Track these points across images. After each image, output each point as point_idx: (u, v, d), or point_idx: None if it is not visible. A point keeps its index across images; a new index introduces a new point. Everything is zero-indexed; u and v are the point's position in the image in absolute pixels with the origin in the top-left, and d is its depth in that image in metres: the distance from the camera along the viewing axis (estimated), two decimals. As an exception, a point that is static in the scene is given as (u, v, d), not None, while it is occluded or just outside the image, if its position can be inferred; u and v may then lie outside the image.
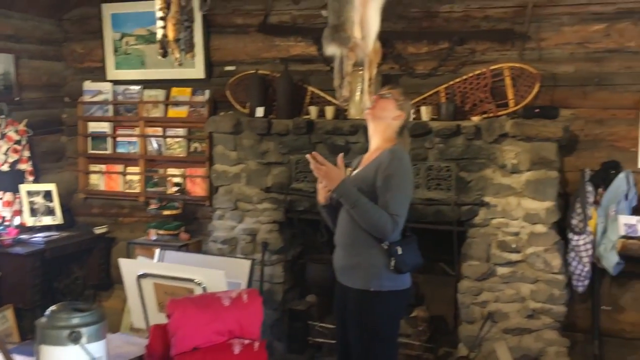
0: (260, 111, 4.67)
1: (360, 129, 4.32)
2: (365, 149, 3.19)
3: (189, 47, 2.82)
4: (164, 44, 2.72)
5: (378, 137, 2.99)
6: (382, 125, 2.93)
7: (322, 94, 4.76)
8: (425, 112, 4.28)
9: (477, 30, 4.47)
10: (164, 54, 2.75)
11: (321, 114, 4.65)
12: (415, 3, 4.60)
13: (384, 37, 4.54)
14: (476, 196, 4.13)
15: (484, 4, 4.44)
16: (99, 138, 5.55)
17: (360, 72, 4.16)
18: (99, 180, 5.59)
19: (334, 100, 4.65)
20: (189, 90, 5.26)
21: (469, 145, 4.13)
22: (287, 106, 4.69)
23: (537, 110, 4.07)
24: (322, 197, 2.94)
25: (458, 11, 4.51)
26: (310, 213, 4.53)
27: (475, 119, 4.18)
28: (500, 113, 4.25)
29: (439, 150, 4.20)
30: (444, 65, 4.52)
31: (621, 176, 4.03)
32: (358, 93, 4.40)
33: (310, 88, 4.81)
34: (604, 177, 4.09)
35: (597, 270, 4.09)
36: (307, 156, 2.78)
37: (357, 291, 2.87)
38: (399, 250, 2.82)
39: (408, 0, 4.60)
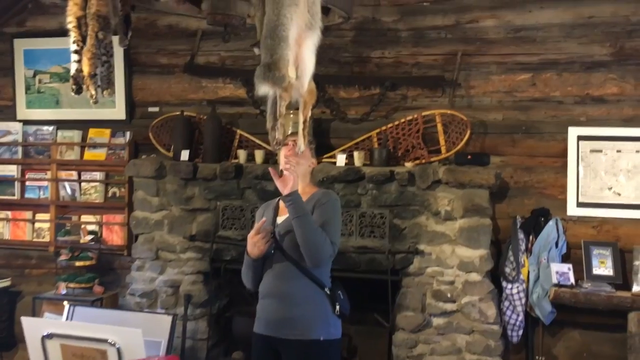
0: (185, 154, 4.42)
1: (291, 174, 4.15)
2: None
3: (107, 84, 2.57)
4: (77, 80, 2.45)
5: (300, 185, 2.84)
6: (302, 173, 2.86)
7: (251, 137, 4.58)
8: (357, 158, 4.17)
9: (408, 76, 4.45)
10: (78, 91, 2.48)
11: (250, 158, 4.45)
12: (346, 48, 4.55)
13: (316, 80, 4.56)
14: (410, 244, 4.02)
15: (415, 51, 4.44)
16: (5, 182, 5.09)
17: (292, 115, 4.07)
18: (3, 228, 5.10)
19: (263, 144, 4.48)
20: (108, 131, 4.95)
21: (403, 192, 4.03)
22: (214, 150, 4.47)
23: (469, 157, 4.05)
24: (257, 250, 2.72)
25: (389, 57, 4.49)
26: (237, 262, 4.22)
27: (409, 165, 4.11)
28: (432, 159, 4.20)
29: (372, 196, 4.08)
30: (375, 110, 4.46)
31: (551, 223, 4.05)
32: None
33: (239, 131, 4.62)
34: (534, 224, 4.10)
35: (530, 320, 4.04)
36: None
37: (302, 343, 2.68)
38: (341, 295, 2.81)
39: (340, 44, 4.55)
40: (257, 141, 4.54)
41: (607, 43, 4.15)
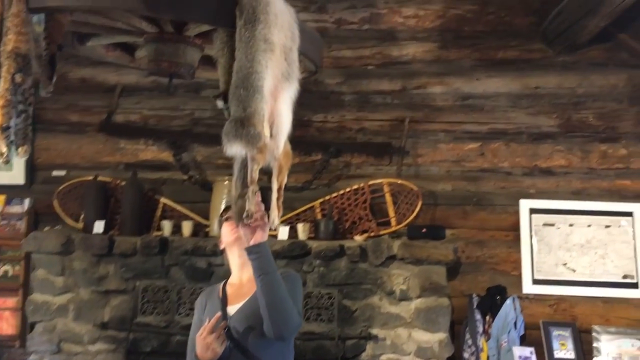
0: (99, 226, 3.78)
1: (225, 249, 3.64)
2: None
3: (22, 140, 2.02)
4: (-17, 133, 1.89)
5: (245, 267, 2.34)
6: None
7: (177, 206, 4.02)
8: (302, 230, 3.74)
9: (352, 142, 4.14)
10: None
11: (176, 230, 3.89)
12: (286, 110, 4.18)
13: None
14: (362, 328, 3.58)
15: (360, 116, 4.16)
16: None
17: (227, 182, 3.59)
18: None
19: (192, 214, 3.94)
20: (2, 197, 4.20)
21: (354, 269, 3.63)
22: (134, 220, 3.87)
23: (423, 231, 3.73)
24: (211, 353, 2.12)
25: (332, 121, 4.17)
26: (160, 355, 3.61)
27: (359, 238, 3.72)
28: (382, 232, 3.85)
29: (319, 274, 3.63)
30: (318, 178, 4.08)
31: (508, 302, 3.76)
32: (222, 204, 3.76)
33: (163, 199, 4.05)
34: (490, 303, 3.80)
35: (492, 409, 3.68)
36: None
37: None
38: None
39: (278, 106, 4.17)
40: (185, 211, 3.99)
41: (553, 114, 4.08)
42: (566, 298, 3.89)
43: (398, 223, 3.88)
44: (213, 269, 3.68)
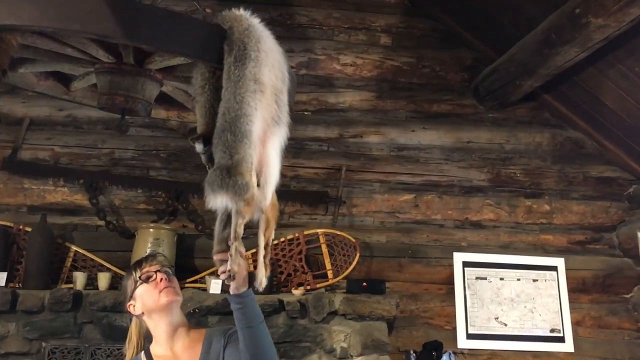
0: (1, 278, 3.27)
1: (150, 304, 3.27)
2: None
3: None
4: None
5: (184, 322, 2.04)
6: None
7: (91, 255, 3.59)
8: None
9: (287, 190, 3.95)
10: None
11: (90, 282, 3.46)
12: (217, 153, 3.93)
13: (179, 189, 3.83)
14: (300, 391, 3.33)
15: (295, 162, 3.99)
16: None
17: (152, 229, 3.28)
18: None
19: (108, 265, 3.54)
20: None
21: (292, 326, 3.38)
22: (41, 272, 3.40)
23: (364, 285, 3.58)
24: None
25: (266, 167, 3.96)
26: None
27: (297, 292, 3.50)
28: (318, 285, 3.66)
29: (255, 332, 3.34)
30: (251, 227, 3.82)
31: (444, 358, 3.69)
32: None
33: (74, 247, 3.61)
34: (428, 359, 3.71)
35: None
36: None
37: None
38: None
39: (208, 149, 3.92)
40: (100, 261, 3.57)
41: (484, 168, 4.15)
42: (498, 353, 3.88)
43: (335, 276, 3.71)
44: (135, 328, 3.29)
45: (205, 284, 3.54)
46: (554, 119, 4.24)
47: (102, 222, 3.73)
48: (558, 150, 4.23)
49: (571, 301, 4.01)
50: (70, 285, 3.43)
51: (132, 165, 3.87)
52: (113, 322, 3.28)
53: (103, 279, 3.43)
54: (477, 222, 4.11)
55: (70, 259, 3.58)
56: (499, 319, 3.92)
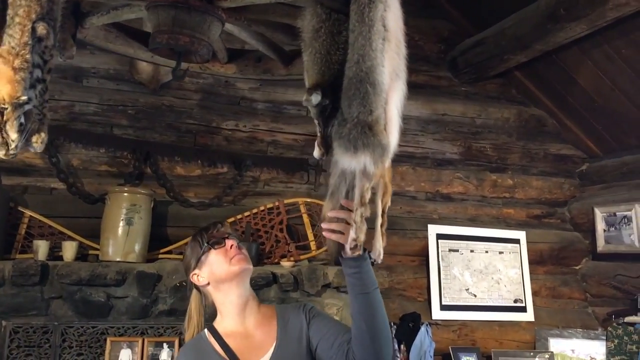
0: (-48, 247, 2.77)
1: (129, 275, 2.94)
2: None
3: (37, 124, 1.28)
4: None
5: (254, 296, 1.84)
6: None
7: (49, 222, 3.15)
8: (223, 255, 3.18)
9: (265, 156, 3.71)
10: None
11: (53, 252, 3.04)
12: (192, 113, 3.60)
13: (148, 150, 3.46)
14: (292, 367, 3.16)
15: (274, 127, 3.75)
16: None
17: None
18: None
19: (70, 233, 3.13)
20: None
21: (284, 299, 3.20)
22: (-2, 239, 2.92)
23: (354, 256, 3.44)
24: None
25: (244, 131, 3.69)
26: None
27: (287, 264, 3.30)
28: (302, 257, 3.48)
29: (245, 306, 3.12)
30: (229, 194, 3.57)
31: (422, 330, 3.69)
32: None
33: (29, 212, 3.14)
34: (404, 331, 3.68)
35: None
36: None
37: None
38: None
39: (181, 107, 3.58)
40: (60, 228, 3.15)
41: (457, 142, 4.16)
42: (468, 323, 3.96)
43: (318, 247, 3.55)
44: (112, 303, 2.94)
45: (181, 255, 3.23)
46: (519, 96, 4.34)
47: (57, 184, 3.27)
48: (523, 126, 4.33)
49: (530, 273, 4.17)
50: (27, 256, 2.99)
51: (94, 122, 3.43)
52: (88, 297, 2.90)
53: (69, 249, 3.02)
54: (447, 194, 4.13)
55: (25, 226, 3.11)
56: (470, 290, 3.98)
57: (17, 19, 1.19)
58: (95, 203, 3.28)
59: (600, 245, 4.13)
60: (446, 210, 4.11)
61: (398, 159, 3.91)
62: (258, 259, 3.28)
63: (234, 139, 3.67)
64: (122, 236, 3.05)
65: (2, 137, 1.23)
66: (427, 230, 3.96)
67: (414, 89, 3.99)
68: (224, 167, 3.61)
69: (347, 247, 1.52)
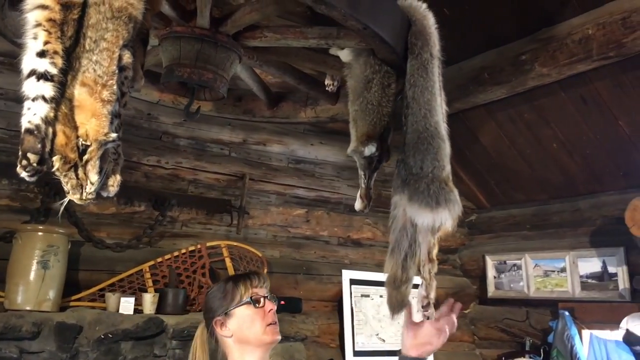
0: None
1: (45, 327, 2.59)
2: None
3: (113, 164, 1.06)
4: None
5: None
6: None
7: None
8: (150, 302, 2.93)
9: (186, 195, 3.51)
10: (34, 174, 0.93)
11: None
12: (112, 145, 3.30)
13: (57, 183, 3.10)
14: (220, 423, 2.95)
15: (196, 165, 3.57)
16: None
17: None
18: None
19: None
20: None
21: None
22: None
23: (282, 303, 3.35)
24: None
25: (166, 167, 3.46)
26: None
27: (216, 312, 3.11)
28: (226, 304, 3.31)
29: (175, 359, 2.88)
30: (150, 235, 3.30)
31: (338, 376, 3.68)
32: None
33: None
34: (322, 379, 3.64)
35: None
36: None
37: None
38: None
39: (99, 139, 3.27)
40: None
41: (369, 189, 4.26)
42: (377, 368, 4.01)
43: (241, 293, 3.40)
44: (24, 359, 2.55)
45: (103, 302, 2.92)
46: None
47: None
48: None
49: (429, 317, 4.34)
50: None
51: (2, 151, 3.01)
52: (-4, 352, 2.49)
53: (-32, 296, 2.58)
54: (357, 240, 4.21)
55: None
56: (379, 336, 4.05)
57: (103, 44, 1.01)
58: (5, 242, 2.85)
59: (491, 290, 4.45)
60: (356, 255, 4.18)
61: (314, 204, 3.96)
62: (183, 306, 3.06)
63: (154, 176, 3.43)
64: (36, 281, 2.67)
65: (78, 179, 1.03)
66: (341, 275, 3.98)
67: (331, 135, 4.09)
68: (141, 205, 3.35)
69: (418, 305, 1.48)
